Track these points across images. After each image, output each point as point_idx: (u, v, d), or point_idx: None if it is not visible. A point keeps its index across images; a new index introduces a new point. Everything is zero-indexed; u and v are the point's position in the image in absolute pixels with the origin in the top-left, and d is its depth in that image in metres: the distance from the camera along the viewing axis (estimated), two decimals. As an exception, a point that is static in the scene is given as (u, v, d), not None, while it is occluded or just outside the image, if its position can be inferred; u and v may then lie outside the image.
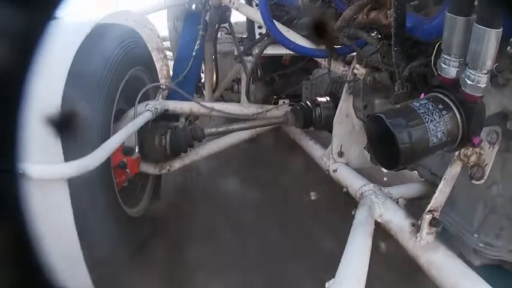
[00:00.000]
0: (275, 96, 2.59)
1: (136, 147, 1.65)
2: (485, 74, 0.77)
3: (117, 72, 1.52)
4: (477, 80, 0.78)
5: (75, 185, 1.17)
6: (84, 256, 1.18)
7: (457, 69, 0.83)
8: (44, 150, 1.11)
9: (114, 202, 1.53)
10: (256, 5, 2.16)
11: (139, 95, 1.71)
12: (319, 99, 1.91)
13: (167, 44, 2.62)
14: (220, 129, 1.97)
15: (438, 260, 0.93)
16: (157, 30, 2.08)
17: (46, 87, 1.12)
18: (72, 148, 1.17)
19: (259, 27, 2.21)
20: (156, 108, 1.78)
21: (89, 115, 1.32)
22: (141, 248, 1.73)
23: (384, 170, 1.95)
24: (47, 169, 1.10)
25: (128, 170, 1.59)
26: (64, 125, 1.12)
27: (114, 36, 1.53)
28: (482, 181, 0.96)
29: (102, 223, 1.33)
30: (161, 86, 1.97)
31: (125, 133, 1.48)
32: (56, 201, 1.14)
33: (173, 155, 1.90)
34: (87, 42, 1.30)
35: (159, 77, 2.06)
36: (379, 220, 1.17)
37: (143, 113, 1.70)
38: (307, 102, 1.91)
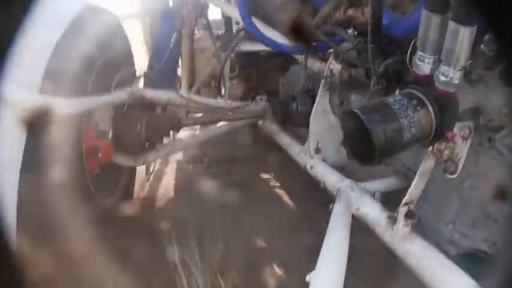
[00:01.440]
0: (252, 94, 2.58)
1: (110, 131, 1.60)
2: (459, 70, 0.79)
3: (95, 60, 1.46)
4: (451, 77, 0.80)
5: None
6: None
7: (431, 66, 0.85)
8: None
9: (84, 183, 1.43)
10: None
11: (116, 79, 1.67)
12: (296, 95, 1.92)
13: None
14: (198, 120, 1.94)
15: (415, 250, 0.95)
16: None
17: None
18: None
19: (237, 23, 2.20)
20: (133, 92, 1.69)
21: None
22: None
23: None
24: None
25: (100, 155, 1.54)
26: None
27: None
28: (456, 175, 0.99)
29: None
30: (137, 74, 1.92)
31: (99, 100, 1.44)
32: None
33: (149, 143, 1.82)
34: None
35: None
36: (356, 214, 1.19)
37: (120, 92, 1.64)
38: (285, 97, 1.92)
